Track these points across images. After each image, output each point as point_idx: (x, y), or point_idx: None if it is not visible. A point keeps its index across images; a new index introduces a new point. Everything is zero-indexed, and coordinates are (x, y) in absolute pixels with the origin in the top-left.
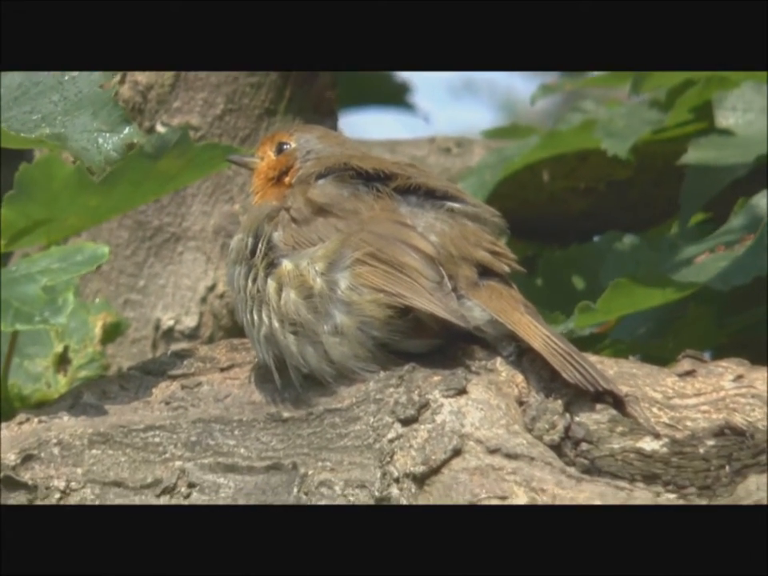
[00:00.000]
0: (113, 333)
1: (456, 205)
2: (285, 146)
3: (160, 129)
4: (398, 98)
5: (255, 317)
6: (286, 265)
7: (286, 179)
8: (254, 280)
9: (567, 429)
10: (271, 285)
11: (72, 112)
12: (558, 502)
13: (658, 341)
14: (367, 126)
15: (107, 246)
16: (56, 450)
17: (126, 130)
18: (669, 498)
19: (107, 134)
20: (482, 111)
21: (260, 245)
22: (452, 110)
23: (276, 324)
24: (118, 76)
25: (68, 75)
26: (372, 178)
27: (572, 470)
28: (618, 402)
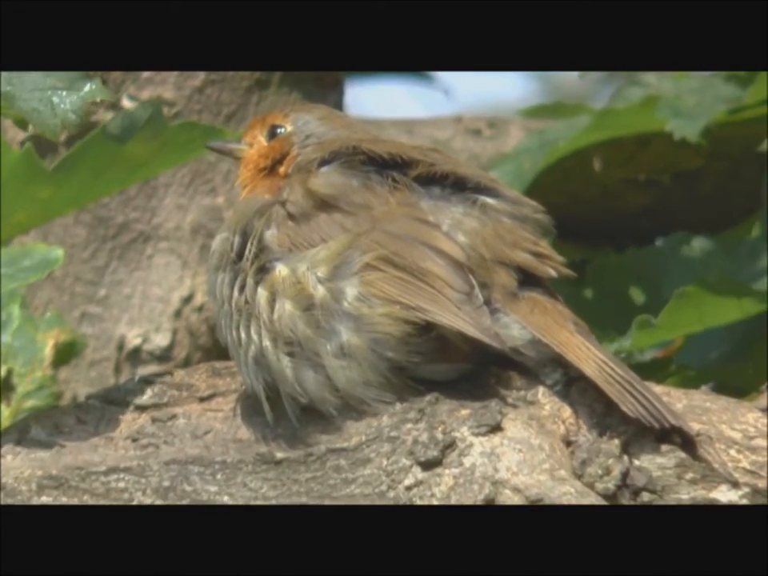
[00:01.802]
0: (67, 354)
1: (489, 198)
2: (278, 130)
3: (127, 103)
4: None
5: (242, 334)
6: (281, 270)
7: (281, 169)
8: (242, 289)
9: (625, 475)
10: (262, 294)
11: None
12: None
13: (735, 366)
14: (379, 102)
15: (61, 249)
16: None
17: (87, 87)
18: None
19: (64, 93)
20: (513, 81)
21: (249, 245)
22: (478, 79)
23: (268, 343)
24: None
25: None
26: (387, 164)
27: None
28: (687, 443)
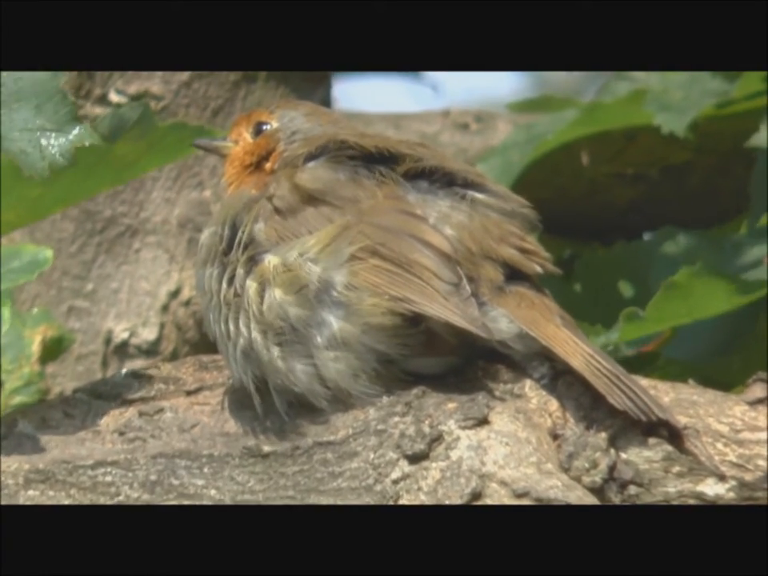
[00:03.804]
0: (54, 350)
1: (476, 193)
2: (264, 127)
3: (114, 98)
4: None
5: (231, 327)
6: (271, 260)
7: (267, 165)
8: (230, 281)
9: (612, 468)
10: (251, 285)
11: (10, 104)
12: None
13: (722, 360)
14: (366, 96)
15: (50, 249)
16: None
17: (76, 131)
18: None
19: (52, 134)
20: (502, 76)
21: (238, 238)
22: (467, 74)
23: (257, 335)
24: None
25: None
26: (374, 159)
27: None
28: (674, 436)
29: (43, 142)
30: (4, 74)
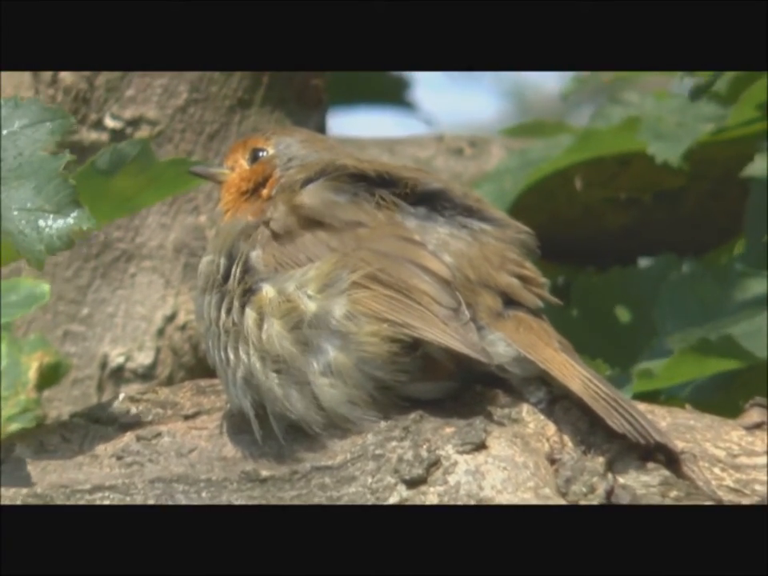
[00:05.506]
0: (51, 376)
1: (475, 219)
2: (260, 153)
3: (110, 123)
4: (394, 95)
5: (231, 355)
6: (268, 291)
7: (264, 191)
8: (229, 310)
9: (609, 493)
10: (250, 315)
11: (9, 181)
12: None
13: (723, 395)
14: (359, 128)
15: (47, 284)
16: None
17: (75, 214)
18: None
19: (51, 216)
20: (484, 97)
21: (234, 268)
22: (450, 96)
23: (256, 361)
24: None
25: (6, 130)
26: (374, 183)
27: None
28: (671, 460)
29: (41, 223)
30: (5, 146)
